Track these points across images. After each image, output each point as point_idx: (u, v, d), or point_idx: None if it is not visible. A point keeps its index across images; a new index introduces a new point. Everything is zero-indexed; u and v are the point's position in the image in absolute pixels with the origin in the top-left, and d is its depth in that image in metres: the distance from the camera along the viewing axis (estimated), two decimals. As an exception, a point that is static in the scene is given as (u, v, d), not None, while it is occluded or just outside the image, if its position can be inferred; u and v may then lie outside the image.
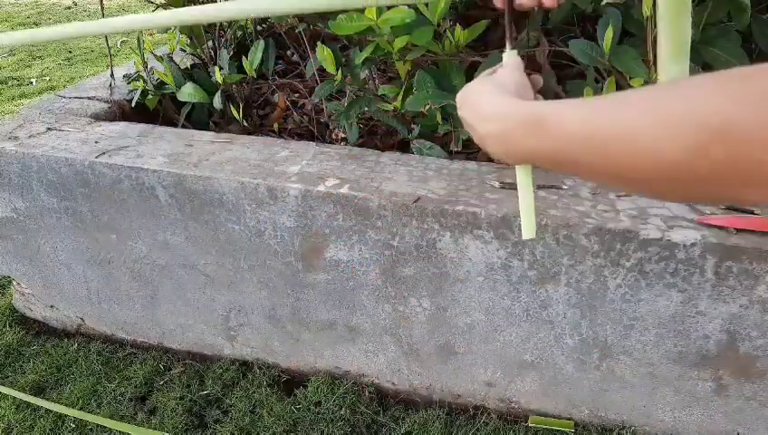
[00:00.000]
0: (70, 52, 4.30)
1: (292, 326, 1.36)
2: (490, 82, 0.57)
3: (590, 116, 0.40)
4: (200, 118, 1.69)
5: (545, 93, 1.33)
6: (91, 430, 1.32)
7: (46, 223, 1.42)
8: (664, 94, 0.35)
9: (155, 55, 1.71)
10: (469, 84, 0.59)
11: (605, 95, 0.41)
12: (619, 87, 1.15)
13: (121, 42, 4.41)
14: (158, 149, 1.33)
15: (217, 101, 1.54)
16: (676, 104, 0.33)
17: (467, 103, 0.57)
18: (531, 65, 1.35)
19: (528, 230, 0.65)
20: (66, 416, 1.36)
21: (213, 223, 1.27)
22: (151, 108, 1.67)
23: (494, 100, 0.52)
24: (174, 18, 0.73)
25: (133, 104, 1.65)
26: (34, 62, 4.09)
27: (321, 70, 1.41)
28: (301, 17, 1.43)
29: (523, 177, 0.65)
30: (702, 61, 1.16)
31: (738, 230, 1.00)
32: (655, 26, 0.63)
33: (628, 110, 0.37)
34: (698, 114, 0.32)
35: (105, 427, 1.33)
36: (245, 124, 1.57)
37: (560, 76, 1.32)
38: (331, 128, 1.53)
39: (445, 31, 1.21)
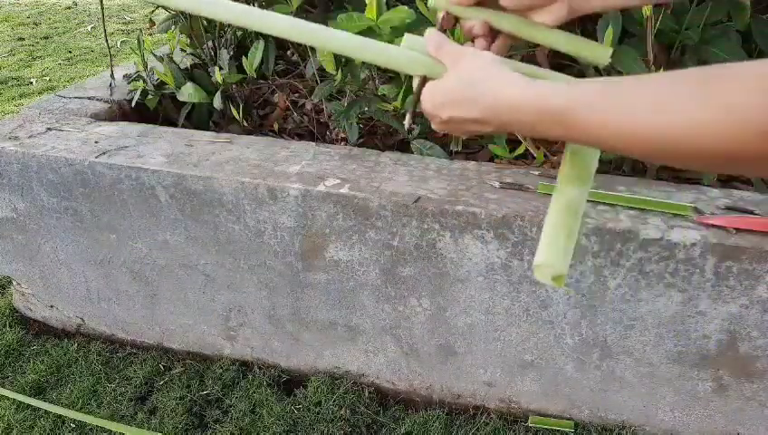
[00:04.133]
0: (70, 52, 4.30)
1: (292, 326, 1.36)
2: (473, 71, 0.55)
3: (624, 109, 0.41)
4: (200, 118, 1.69)
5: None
6: (91, 429, 1.32)
7: (46, 223, 1.42)
8: (713, 85, 0.37)
9: (155, 55, 1.71)
10: (442, 85, 0.58)
11: (618, 81, 0.42)
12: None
13: (121, 42, 4.41)
14: (158, 149, 1.33)
15: (217, 101, 1.54)
16: (733, 94, 0.35)
17: (458, 104, 0.55)
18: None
19: (556, 263, 0.54)
20: (66, 416, 1.36)
21: (213, 223, 1.27)
22: (151, 108, 1.67)
23: (500, 90, 0.52)
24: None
25: (133, 104, 1.65)
26: (34, 62, 4.09)
27: (321, 70, 1.41)
28: (301, 17, 1.43)
29: (559, 203, 0.58)
30: (702, 61, 1.17)
31: (738, 230, 1.00)
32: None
33: (681, 103, 0.38)
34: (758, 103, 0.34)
35: (105, 427, 1.33)
36: (245, 124, 1.57)
37: (560, 76, 1.31)
38: (331, 128, 1.53)
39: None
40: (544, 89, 0.48)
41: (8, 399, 1.40)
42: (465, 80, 0.56)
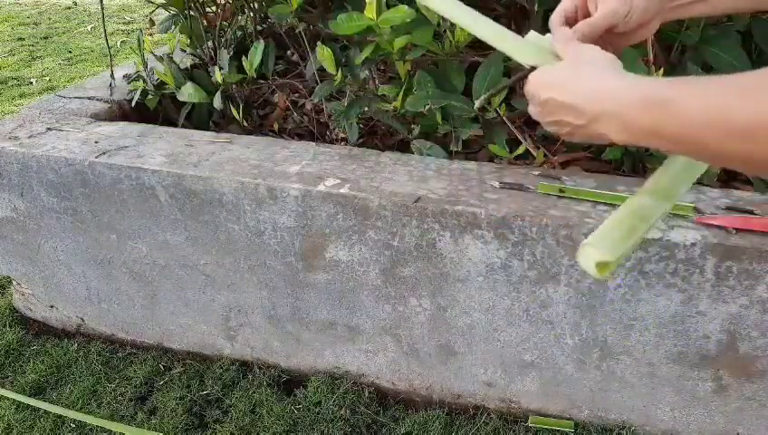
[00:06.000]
0: (70, 52, 4.30)
1: (292, 326, 1.36)
2: (586, 63, 0.56)
3: (731, 102, 0.40)
4: (200, 118, 1.69)
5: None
6: (91, 429, 1.32)
7: (46, 223, 1.42)
8: None
9: (155, 55, 1.71)
10: (552, 68, 0.58)
11: (729, 78, 0.41)
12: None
13: (121, 42, 4.41)
14: (158, 150, 1.33)
15: (217, 101, 1.54)
16: None
17: (562, 86, 0.55)
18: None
19: (604, 256, 0.53)
20: (65, 416, 1.36)
21: (213, 223, 1.27)
22: (151, 108, 1.67)
23: (606, 79, 0.52)
24: None
25: (133, 104, 1.65)
26: (34, 62, 4.09)
27: (321, 70, 1.41)
28: (301, 17, 1.43)
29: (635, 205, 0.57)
30: (702, 61, 1.17)
31: (738, 230, 1.00)
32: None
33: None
34: None
35: (105, 427, 1.33)
36: (245, 124, 1.57)
37: (560, 76, 1.31)
38: (331, 128, 1.53)
39: (445, 31, 1.21)
40: (648, 81, 0.48)
41: (8, 399, 1.40)
42: (576, 65, 0.56)
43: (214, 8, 1.76)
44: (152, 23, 1.90)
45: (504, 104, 1.26)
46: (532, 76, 0.60)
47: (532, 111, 0.61)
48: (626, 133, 0.48)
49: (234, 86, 1.58)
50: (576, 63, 0.57)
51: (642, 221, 0.55)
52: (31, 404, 1.39)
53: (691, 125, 0.42)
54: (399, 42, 1.19)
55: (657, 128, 0.45)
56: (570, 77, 0.55)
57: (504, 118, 1.27)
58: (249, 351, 1.45)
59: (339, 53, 1.35)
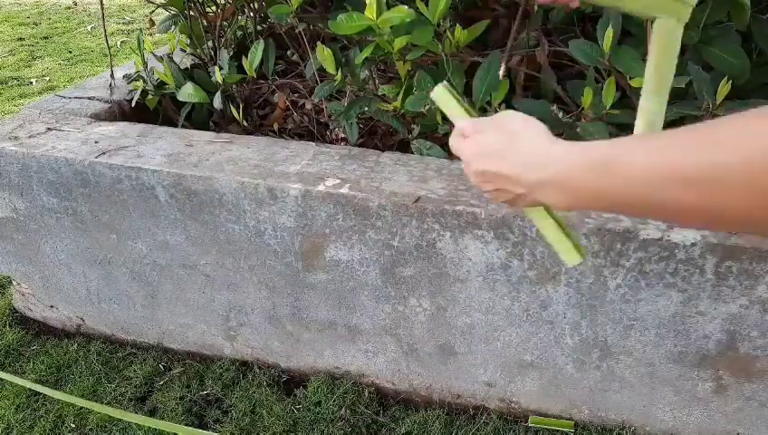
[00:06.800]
0: (70, 52, 4.30)
1: (292, 326, 1.36)
2: (520, 132, 0.54)
3: (674, 155, 0.39)
4: (200, 118, 1.69)
5: (546, 93, 1.33)
6: (90, 430, 1.32)
7: (46, 223, 1.42)
8: (750, 131, 0.35)
9: (155, 55, 1.71)
10: (482, 138, 0.56)
11: (669, 132, 0.41)
12: (619, 87, 1.15)
13: (121, 42, 4.41)
14: (157, 150, 1.33)
15: (217, 102, 1.54)
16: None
17: (500, 157, 0.53)
18: (531, 65, 1.35)
19: (570, 256, 0.63)
20: (66, 416, 1.36)
21: (213, 223, 1.27)
22: (151, 108, 1.67)
23: (544, 146, 0.50)
24: None
25: (133, 104, 1.65)
26: (34, 62, 4.09)
27: (321, 70, 1.41)
28: (301, 17, 1.43)
29: (538, 216, 0.63)
30: (702, 61, 1.16)
31: (738, 230, 1.00)
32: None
33: (718, 149, 0.36)
34: None
35: (105, 427, 1.33)
36: (245, 124, 1.57)
37: (560, 76, 1.32)
38: (331, 128, 1.53)
39: (445, 31, 1.21)
40: (587, 144, 0.47)
41: (8, 399, 1.40)
42: (509, 135, 0.54)
43: (214, 8, 1.76)
44: (152, 23, 1.90)
45: (503, 104, 1.26)
46: (465, 145, 0.58)
47: (468, 176, 0.59)
48: (570, 198, 0.47)
49: (234, 86, 1.58)
50: (508, 132, 0.54)
51: (548, 221, 0.63)
52: (30, 403, 1.39)
53: (634, 179, 0.41)
54: (399, 42, 1.19)
55: (601, 187, 0.44)
56: (506, 147, 0.53)
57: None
58: (249, 351, 1.45)
59: (339, 53, 1.35)
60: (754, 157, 0.34)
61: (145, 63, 1.67)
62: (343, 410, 1.32)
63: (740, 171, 0.35)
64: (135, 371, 1.47)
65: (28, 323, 1.65)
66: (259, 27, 1.70)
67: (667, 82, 0.64)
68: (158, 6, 1.78)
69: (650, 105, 0.64)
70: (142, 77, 1.66)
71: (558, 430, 1.27)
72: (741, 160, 0.35)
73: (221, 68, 1.55)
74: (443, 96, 0.66)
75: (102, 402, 1.39)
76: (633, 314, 1.10)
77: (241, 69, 1.54)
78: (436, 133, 1.33)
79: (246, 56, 1.52)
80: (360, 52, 1.27)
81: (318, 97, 1.40)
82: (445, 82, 0.67)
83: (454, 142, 0.60)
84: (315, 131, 1.56)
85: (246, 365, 1.46)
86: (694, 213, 0.39)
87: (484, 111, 1.28)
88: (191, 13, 1.70)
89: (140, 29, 3.25)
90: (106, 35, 1.84)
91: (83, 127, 1.47)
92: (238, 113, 1.53)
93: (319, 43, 1.34)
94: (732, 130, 0.36)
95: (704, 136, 0.38)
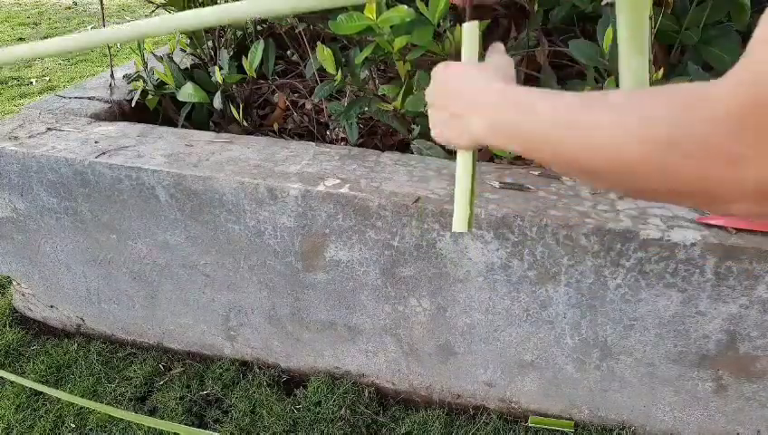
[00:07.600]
0: (70, 52, 4.30)
1: (292, 326, 1.36)
2: (491, 65, 0.60)
3: (574, 104, 0.43)
4: (200, 118, 1.69)
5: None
6: (90, 430, 1.32)
7: (46, 223, 1.42)
8: (631, 100, 0.38)
9: (155, 55, 1.71)
10: (449, 70, 0.61)
11: (600, 92, 0.44)
12: (619, 87, 1.14)
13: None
14: (157, 150, 1.33)
15: (217, 102, 1.54)
16: (634, 113, 0.37)
17: (463, 73, 0.59)
18: (531, 65, 1.35)
19: (460, 222, 0.63)
20: (66, 416, 1.36)
21: (213, 223, 1.27)
22: (151, 108, 1.67)
23: (499, 81, 0.55)
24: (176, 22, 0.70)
25: (133, 104, 1.65)
26: (34, 62, 4.09)
27: (321, 70, 1.41)
28: (301, 17, 1.43)
29: (463, 159, 0.63)
30: (702, 61, 1.16)
31: (738, 230, 1.00)
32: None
33: (604, 109, 0.40)
34: (651, 125, 0.35)
35: (105, 427, 1.33)
36: (245, 124, 1.57)
37: (560, 76, 1.31)
38: (331, 128, 1.53)
39: (445, 31, 1.21)
40: (534, 90, 0.51)
41: (8, 399, 1.40)
42: (483, 66, 0.61)
43: (214, 8, 1.75)
44: (152, 23, 1.90)
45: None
46: (440, 69, 0.63)
47: (428, 91, 0.64)
48: (491, 130, 0.51)
49: (234, 86, 1.58)
50: (484, 64, 0.61)
51: (468, 174, 0.63)
52: (30, 403, 1.39)
53: (541, 123, 0.45)
54: (399, 42, 1.19)
55: (515, 126, 0.48)
56: (472, 71, 0.59)
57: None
58: (249, 351, 1.45)
59: (339, 53, 1.35)
60: (629, 123, 0.37)
61: (145, 63, 1.67)
62: (343, 410, 1.32)
63: (609, 127, 0.38)
64: (135, 371, 1.47)
65: (28, 323, 1.65)
66: (259, 27, 1.70)
67: (644, 38, 0.63)
68: (158, 6, 1.78)
69: (633, 64, 0.63)
70: (142, 77, 1.66)
71: (558, 430, 1.27)
72: (610, 120, 0.38)
73: (221, 68, 1.55)
74: (473, 33, 0.68)
75: (102, 402, 1.39)
76: (633, 313, 1.10)
77: (241, 69, 1.54)
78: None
79: (246, 56, 1.52)
80: (360, 52, 1.27)
81: (318, 97, 1.40)
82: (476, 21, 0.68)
83: (439, 66, 0.64)
84: (315, 131, 1.56)
85: (246, 365, 1.46)
86: (590, 171, 0.42)
87: None
88: (191, 13, 1.70)
89: (140, 29, 3.24)
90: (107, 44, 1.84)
91: (83, 127, 1.47)
92: (238, 113, 1.53)
93: (319, 42, 1.34)
94: (625, 97, 0.40)
95: (607, 96, 0.41)
